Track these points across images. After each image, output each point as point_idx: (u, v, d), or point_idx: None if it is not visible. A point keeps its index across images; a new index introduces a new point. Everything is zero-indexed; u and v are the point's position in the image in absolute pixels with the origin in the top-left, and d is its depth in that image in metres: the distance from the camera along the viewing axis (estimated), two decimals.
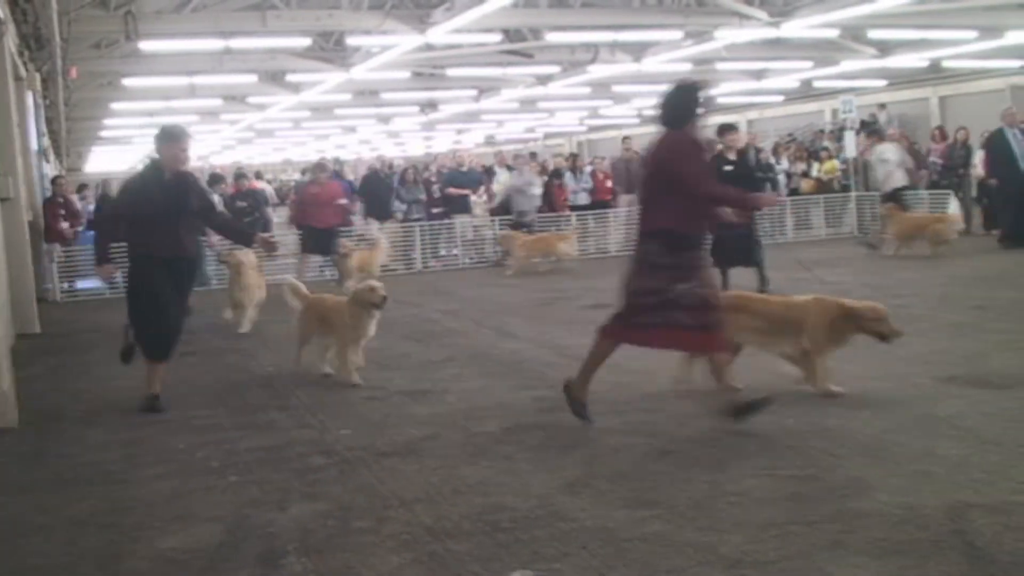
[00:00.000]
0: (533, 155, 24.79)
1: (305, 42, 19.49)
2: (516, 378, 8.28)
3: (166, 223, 7.54)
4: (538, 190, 19.06)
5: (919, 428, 6.11)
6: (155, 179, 7.70)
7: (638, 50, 22.69)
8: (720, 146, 12.62)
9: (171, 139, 7.72)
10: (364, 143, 48.19)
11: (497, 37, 19.95)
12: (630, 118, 38.32)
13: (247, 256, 11.75)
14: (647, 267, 6.28)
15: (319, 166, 16.66)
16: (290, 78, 24.77)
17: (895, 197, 17.22)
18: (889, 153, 17.77)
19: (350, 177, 21.52)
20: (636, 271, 6.36)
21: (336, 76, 22.95)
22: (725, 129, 13.06)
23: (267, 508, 5.24)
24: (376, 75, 23.15)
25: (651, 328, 6.28)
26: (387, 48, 19.78)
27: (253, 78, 24.16)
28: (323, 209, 15.40)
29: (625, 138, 23.13)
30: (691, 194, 6.15)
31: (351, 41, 19.80)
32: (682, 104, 6.29)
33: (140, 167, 8.33)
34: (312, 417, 7.24)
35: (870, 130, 21.80)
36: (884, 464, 5.45)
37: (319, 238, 15.37)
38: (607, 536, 4.58)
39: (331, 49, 21.72)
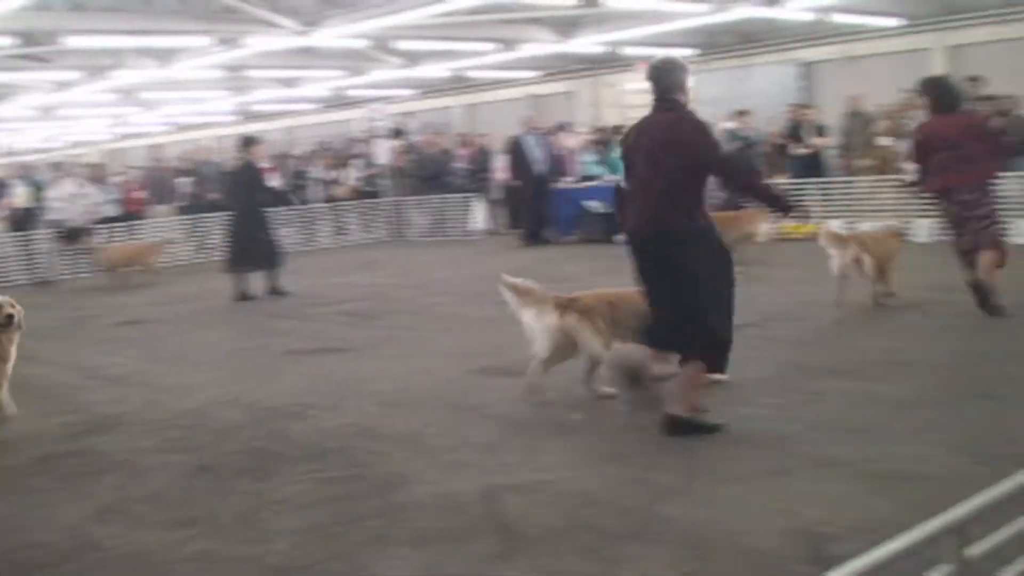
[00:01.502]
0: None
1: None
2: (43, 405, 7.64)
3: None
4: None
5: (453, 419, 6.38)
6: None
7: (166, 56, 21.94)
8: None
9: (684, 70, 6.01)
10: None
11: (9, 40, 18.46)
12: (161, 125, 37.01)
13: None
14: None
15: None
16: None
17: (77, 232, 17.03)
18: (75, 188, 17.45)
19: None
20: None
21: None
22: (250, 142, 13.34)
23: None
24: None
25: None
26: None
27: None
28: None
29: (156, 147, 22.32)
30: None
31: None
32: None
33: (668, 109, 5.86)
34: None
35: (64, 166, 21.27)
36: (423, 456, 5.63)
37: None
38: (144, 561, 4.36)
39: None
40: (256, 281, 12.89)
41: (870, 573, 1.69)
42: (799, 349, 7.60)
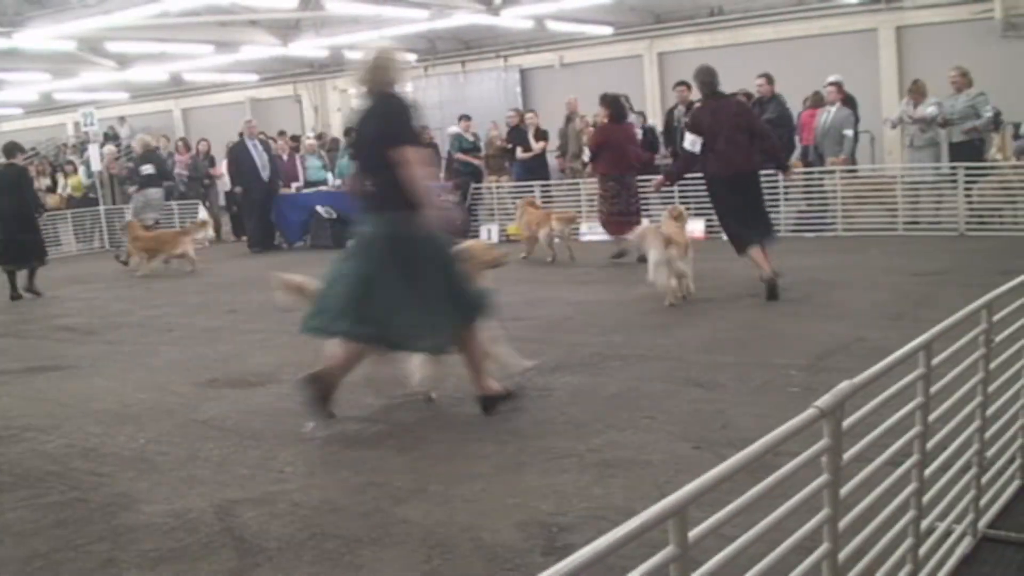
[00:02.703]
0: None
1: None
2: None
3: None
4: None
5: (182, 434, 6.18)
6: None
7: None
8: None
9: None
10: None
11: None
12: None
13: None
14: None
15: None
16: None
17: None
18: None
19: None
20: None
21: None
22: (15, 148, 13.48)
23: None
24: None
25: None
26: None
27: None
28: None
29: None
30: None
31: None
32: None
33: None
34: None
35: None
36: (151, 475, 5.42)
37: None
38: None
39: None
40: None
41: (599, 560, 1.76)
42: (525, 346, 7.80)
